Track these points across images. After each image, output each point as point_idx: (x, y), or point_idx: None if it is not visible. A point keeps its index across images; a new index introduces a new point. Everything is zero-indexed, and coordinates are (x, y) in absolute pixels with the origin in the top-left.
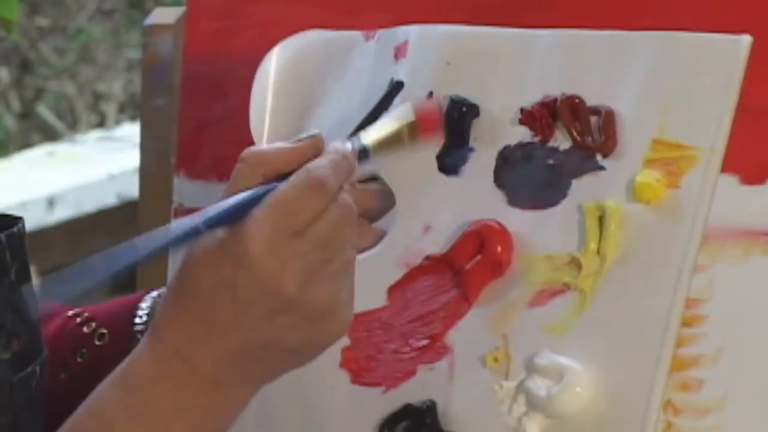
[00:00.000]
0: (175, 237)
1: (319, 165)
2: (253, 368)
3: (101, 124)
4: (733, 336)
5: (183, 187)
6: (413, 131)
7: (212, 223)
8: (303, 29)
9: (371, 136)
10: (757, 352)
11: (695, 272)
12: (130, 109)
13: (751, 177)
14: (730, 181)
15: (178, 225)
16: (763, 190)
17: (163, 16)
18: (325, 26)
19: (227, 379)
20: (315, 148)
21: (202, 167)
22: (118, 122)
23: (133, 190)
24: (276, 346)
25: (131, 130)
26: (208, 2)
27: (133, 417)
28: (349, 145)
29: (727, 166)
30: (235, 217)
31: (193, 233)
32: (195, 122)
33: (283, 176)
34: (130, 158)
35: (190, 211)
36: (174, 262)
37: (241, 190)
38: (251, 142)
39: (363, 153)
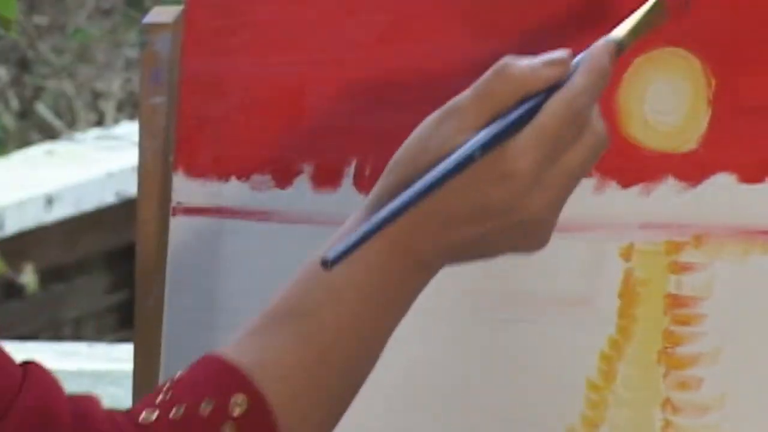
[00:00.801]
0: (453, 167)
1: (579, 89)
2: (462, 258)
3: (100, 122)
4: (732, 335)
5: (182, 186)
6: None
7: (486, 149)
8: (301, 28)
9: (625, 28)
10: (756, 350)
11: (693, 271)
12: (128, 107)
13: (749, 175)
14: (729, 179)
15: (454, 157)
16: (761, 189)
17: (162, 14)
18: (321, 25)
19: (439, 264)
20: (564, 65)
21: (201, 165)
22: (116, 121)
23: (132, 188)
24: (492, 249)
25: (130, 129)
26: (207, 1)
27: (364, 294)
28: (604, 51)
29: (726, 165)
30: (501, 140)
31: (469, 161)
32: (194, 120)
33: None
34: (129, 156)
35: (188, 210)
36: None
37: (498, 108)
38: (250, 141)
39: (619, 48)
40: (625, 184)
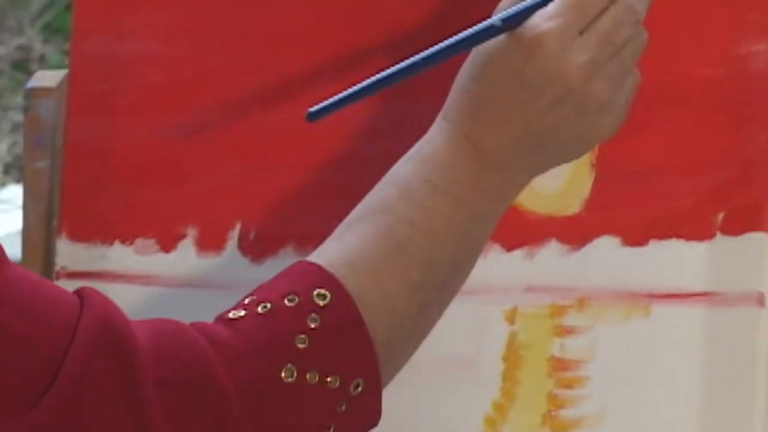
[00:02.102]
0: (473, 34)
1: None
2: (531, 154)
3: None
4: (615, 397)
5: (65, 250)
6: None
7: (508, 20)
8: (186, 93)
9: None
10: (638, 412)
11: (577, 333)
12: (15, 171)
13: (632, 239)
14: (612, 242)
15: (475, 27)
16: (644, 252)
17: (46, 78)
18: (204, 90)
19: (508, 162)
20: None
21: (85, 230)
22: (3, 184)
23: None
24: (554, 135)
25: (17, 192)
26: (93, 64)
27: (434, 188)
28: None
29: (609, 228)
30: (526, 16)
31: (490, 30)
32: (78, 185)
33: None
34: (16, 220)
35: (72, 274)
36: None
37: None
38: (134, 205)
39: None
40: (509, 247)
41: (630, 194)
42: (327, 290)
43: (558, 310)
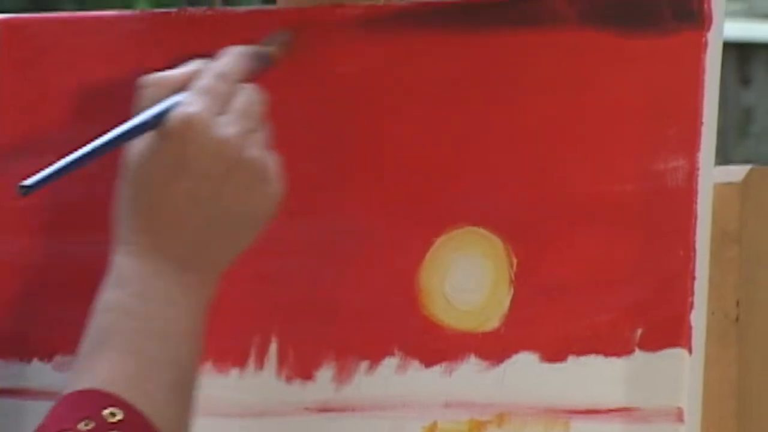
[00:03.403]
0: (126, 130)
1: (219, 63)
2: (216, 243)
3: None
4: None
5: None
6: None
7: (157, 117)
8: (102, 208)
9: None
10: None
11: None
12: None
13: (551, 355)
14: (531, 358)
15: (126, 124)
16: (563, 368)
17: None
18: None
19: (201, 258)
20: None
21: (3, 347)
22: None
23: None
24: (230, 214)
25: None
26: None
27: (145, 300)
28: (242, 48)
29: (528, 344)
30: (166, 112)
31: (140, 128)
32: None
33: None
34: None
35: None
36: None
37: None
38: (52, 321)
39: (262, 57)
40: (428, 363)
41: (548, 310)
42: (115, 408)
43: (477, 426)
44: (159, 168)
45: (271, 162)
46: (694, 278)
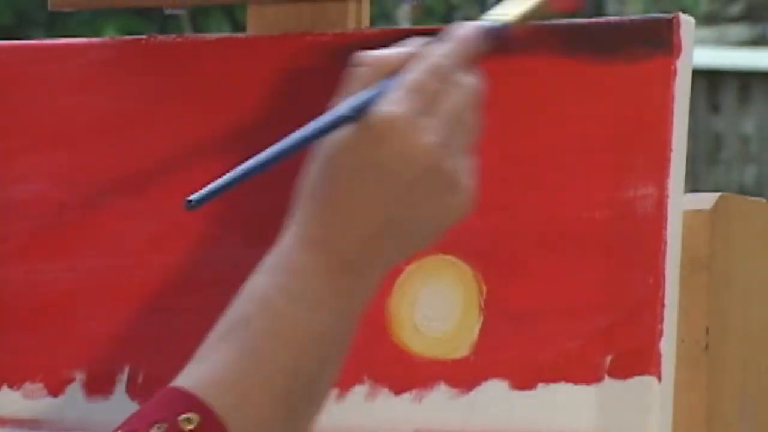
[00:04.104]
0: (322, 126)
1: (438, 51)
2: (390, 246)
3: None
4: None
5: None
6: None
7: (357, 109)
8: (73, 235)
9: (502, 11)
10: None
11: None
12: None
13: (521, 382)
14: (501, 386)
15: (322, 118)
16: (533, 395)
17: None
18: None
19: (366, 259)
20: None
21: None
22: None
23: None
24: (412, 221)
25: None
26: None
27: (290, 296)
28: (470, 28)
29: (498, 372)
30: (370, 105)
31: (339, 120)
32: None
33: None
34: None
35: None
36: None
37: (364, 87)
38: (21, 348)
39: (494, 31)
40: (397, 391)
41: (518, 337)
42: (194, 413)
43: None
44: (349, 161)
45: (466, 171)
46: (663, 305)
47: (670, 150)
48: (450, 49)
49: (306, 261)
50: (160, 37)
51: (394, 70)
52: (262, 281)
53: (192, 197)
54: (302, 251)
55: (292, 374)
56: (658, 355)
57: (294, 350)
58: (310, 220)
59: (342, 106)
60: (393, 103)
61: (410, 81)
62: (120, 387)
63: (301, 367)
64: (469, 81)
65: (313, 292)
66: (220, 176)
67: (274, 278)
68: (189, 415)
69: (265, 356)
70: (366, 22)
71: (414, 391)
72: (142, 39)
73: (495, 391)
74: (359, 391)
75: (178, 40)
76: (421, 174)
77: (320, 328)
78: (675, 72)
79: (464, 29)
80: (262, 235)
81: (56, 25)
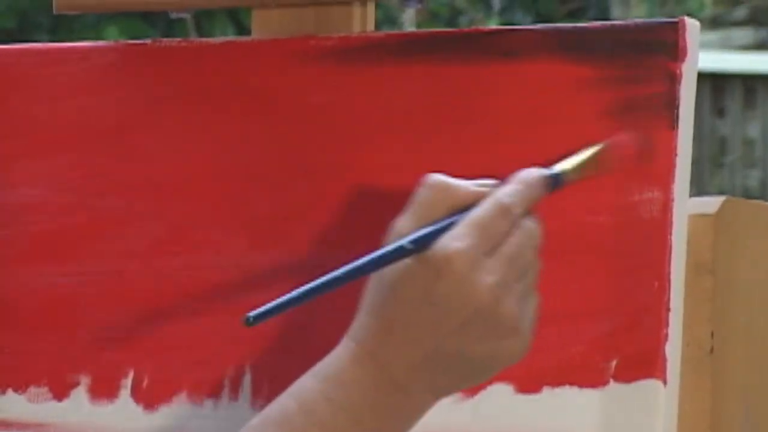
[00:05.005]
0: (383, 255)
1: (506, 192)
2: (438, 376)
3: None
4: None
5: None
6: (605, 157)
7: (418, 243)
8: (77, 239)
9: (562, 164)
10: None
11: None
12: None
13: (526, 386)
14: (506, 389)
15: (385, 248)
16: (538, 399)
17: None
18: (96, 236)
19: (416, 385)
20: (493, 186)
21: None
22: None
23: None
24: (463, 356)
25: None
26: None
27: (334, 406)
28: (536, 174)
29: (503, 376)
30: (433, 238)
31: (399, 252)
32: None
33: (464, 209)
34: None
35: None
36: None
37: (429, 214)
38: (26, 352)
39: (556, 180)
40: None
41: None
42: None
43: None
44: (408, 291)
45: (526, 315)
46: (668, 309)
47: (675, 154)
48: (516, 191)
49: (354, 372)
50: (165, 41)
51: (462, 203)
52: (310, 385)
53: (251, 314)
54: (353, 363)
55: None
56: (664, 359)
57: None
58: (365, 335)
59: (406, 238)
60: (456, 239)
61: (476, 218)
62: (125, 391)
63: None
64: (532, 224)
65: (358, 407)
66: (279, 296)
67: (322, 385)
68: None
69: None
70: (371, 25)
71: None
72: (146, 43)
73: (500, 394)
74: None
75: (183, 43)
76: (474, 314)
77: None
78: (680, 75)
79: (530, 174)
80: (267, 238)
81: (60, 28)
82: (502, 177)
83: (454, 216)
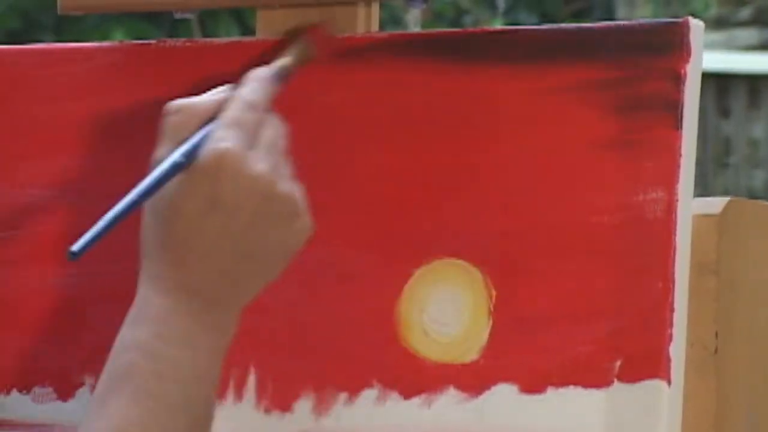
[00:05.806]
0: (162, 174)
1: (247, 91)
2: (245, 278)
3: None
4: None
5: None
6: (312, 44)
7: (189, 155)
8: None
9: (281, 60)
10: None
11: None
12: None
13: (530, 386)
14: (511, 390)
15: (160, 168)
16: (543, 399)
17: None
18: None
19: (226, 293)
20: (227, 91)
21: None
22: None
23: None
24: (259, 250)
25: None
26: None
27: (165, 340)
28: (264, 71)
29: (507, 376)
30: (199, 148)
31: (175, 168)
32: None
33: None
34: None
35: None
36: None
37: (182, 135)
38: (31, 353)
39: (282, 73)
40: (407, 395)
41: (527, 341)
42: None
43: None
44: (190, 204)
45: (300, 195)
46: (672, 310)
47: (680, 154)
48: (255, 88)
49: (169, 305)
50: (169, 41)
51: (207, 115)
52: (132, 333)
53: (74, 248)
54: (163, 297)
55: (185, 412)
56: (668, 360)
57: (183, 389)
58: (163, 267)
59: (173, 155)
60: (221, 140)
61: (231, 118)
62: None
63: (192, 404)
64: (275, 119)
65: (186, 332)
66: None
67: (145, 327)
68: None
69: (159, 399)
70: (375, 26)
71: (423, 396)
72: (151, 43)
73: (504, 395)
74: (368, 395)
75: (188, 44)
76: (261, 202)
77: (201, 363)
78: (684, 76)
79: (260, 73)
80: None
81: (65, 29)
82: (508, 177)
83: (208, 126)
